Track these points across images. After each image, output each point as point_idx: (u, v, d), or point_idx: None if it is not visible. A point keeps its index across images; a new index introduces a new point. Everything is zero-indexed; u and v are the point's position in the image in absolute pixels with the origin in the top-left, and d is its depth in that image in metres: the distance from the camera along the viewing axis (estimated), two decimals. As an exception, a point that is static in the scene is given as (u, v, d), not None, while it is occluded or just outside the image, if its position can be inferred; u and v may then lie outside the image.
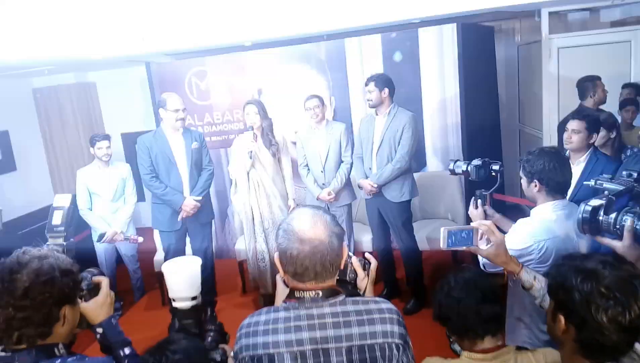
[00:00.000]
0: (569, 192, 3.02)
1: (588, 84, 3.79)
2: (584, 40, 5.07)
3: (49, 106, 6.33)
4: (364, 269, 1.51)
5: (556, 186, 2.03)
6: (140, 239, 4.30)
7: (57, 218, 2.88)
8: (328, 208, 4.01)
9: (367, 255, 1.58)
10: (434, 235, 4.14)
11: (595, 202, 1.52)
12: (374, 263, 1.55)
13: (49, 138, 6.42)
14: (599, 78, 3.84)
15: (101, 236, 4.23)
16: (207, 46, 5.23)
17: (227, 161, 5.25)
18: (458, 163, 2.60)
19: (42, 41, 4.41)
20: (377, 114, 3.88)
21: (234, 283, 4.72)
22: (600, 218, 1.51)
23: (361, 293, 1.50)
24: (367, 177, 3.92)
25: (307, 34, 5.07)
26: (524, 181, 2.12)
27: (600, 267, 1.15)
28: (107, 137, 4.34)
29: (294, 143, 4.36)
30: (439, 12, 4.73)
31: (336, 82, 5.08)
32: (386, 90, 3.78)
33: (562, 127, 3.90)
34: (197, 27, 5.00)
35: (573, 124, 2.94)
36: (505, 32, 6.36)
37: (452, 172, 2.63)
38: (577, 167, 2.97)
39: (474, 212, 2.45)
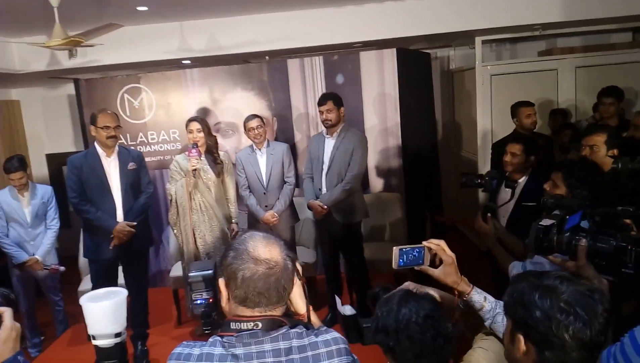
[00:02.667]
0: (508, 213, 3.10)
1: (522, 109, 3.94)
2: (514, 68, 5.35)
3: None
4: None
5: None
6: (62, 268, 3.98)
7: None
8: (270, 229, 3.87)
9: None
10: (375, 257, 4.08)
11: (547, 221, 1.50)
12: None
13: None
14: (532, 104, 4.01)
15: (18, 266, 3.86)
16: (142, 61, 5.01)
17: (162, 183, 4.98)
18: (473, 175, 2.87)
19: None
20: (327, 133, 3.81)
21: (169, 314, 4.42)
22: (553, 237, 1.49)
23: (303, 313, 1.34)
24: (317, 198, 3.82)
25: (249, 53, 4.99)
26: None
27: (558, 282, 1.13)
28: (20, 167, 3.90)
29: (234, 164, 4.21)
30: (378, 36, 4.84)
31: (278, 103, 5.00)
32: (342, 108, 3.73)
33: (495, 149, 4.03)
34: (133, 42, 4.79)
35: (512, 147, 3.01)
36: (441, 60, 6.60)
37: (464, 184, 2.83)
38: (517, 188, 3.03)
39: (484, 226, 2.38)
